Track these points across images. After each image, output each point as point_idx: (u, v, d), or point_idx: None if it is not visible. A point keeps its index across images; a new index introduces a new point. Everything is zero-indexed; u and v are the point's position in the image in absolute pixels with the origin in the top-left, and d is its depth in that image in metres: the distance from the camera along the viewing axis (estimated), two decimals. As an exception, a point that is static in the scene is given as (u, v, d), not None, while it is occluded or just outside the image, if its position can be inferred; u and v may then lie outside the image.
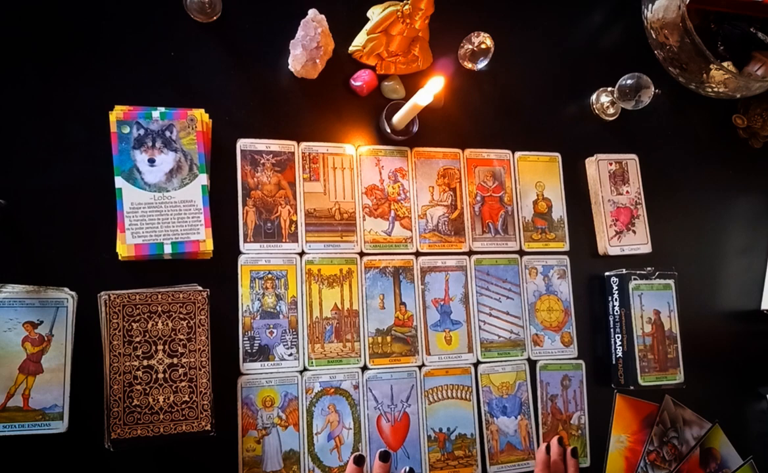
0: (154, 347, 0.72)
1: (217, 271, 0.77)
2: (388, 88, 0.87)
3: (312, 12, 0.79)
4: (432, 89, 0.76)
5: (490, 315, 0.87)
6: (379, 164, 0.86)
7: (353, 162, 0.85)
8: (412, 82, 0.88)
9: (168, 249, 0.73)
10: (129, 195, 0.73)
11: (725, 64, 0.99)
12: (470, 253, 0.88)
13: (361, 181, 0.85)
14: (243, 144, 0.81)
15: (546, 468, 0.83)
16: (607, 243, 0.92)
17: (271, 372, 0.77)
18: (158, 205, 0.74)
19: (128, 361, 0.71)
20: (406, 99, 0.86)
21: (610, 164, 0.95)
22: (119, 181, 0.73)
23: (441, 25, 0.88)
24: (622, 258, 0.93)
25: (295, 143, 0.83)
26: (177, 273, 0.75)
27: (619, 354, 0.90)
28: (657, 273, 0.92)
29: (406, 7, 0.82)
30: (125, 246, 0.72)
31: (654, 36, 0.98)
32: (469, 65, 0.92)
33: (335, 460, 0.78)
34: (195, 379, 0.72)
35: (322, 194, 0.83)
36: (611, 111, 0.97)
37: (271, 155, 0.82)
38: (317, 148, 0.84)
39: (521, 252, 0.90)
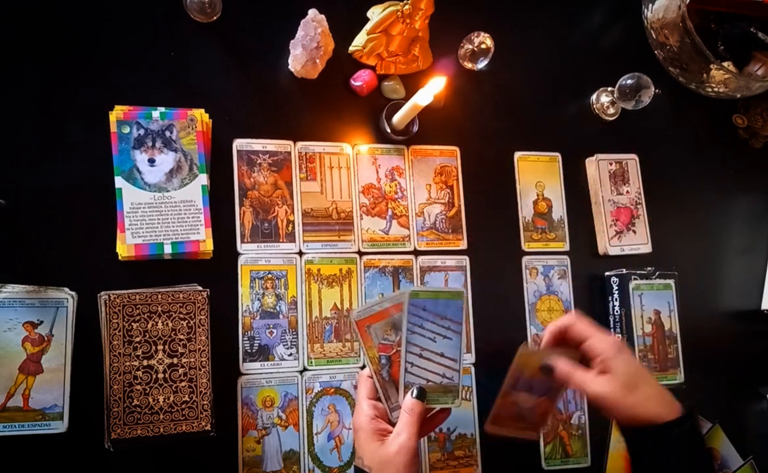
0: (154, 347, 0.72)
1: (217, 271, 0.77)
2: (388, 88, 0.87)
3: (312, 12, 0.79)
4: (432, 89, 0.76)
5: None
6: (376, 163, 0.86)
7: (350, 161, 0.85)
8: (412, 82, 0.88)
9: (168, 249, 0.73)
10: (129, 195, 0.73)
11: (725, 64, 0.98)
12: (469, 252, 0.88)
13: (358, 179, 0.85)
14: (239, 144, 0.81)
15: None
16: (608, 243, 0.92)
17: (271, 372, 0.77)
18: (158, 205, 0.74)
19: (128, 361, 0.71)
20: (406, 99, 0.85)
21: (610, 164, 0.95)
22: (119, 181, 0.73)
23: (441, 25, 0.88)
24: (622, 258, 0.93)
25: (291, 143, 0.83)
26: (177, 273, 0.75)
27: (619, 354, 0.89)
28: (657, 273, 0.92)
29: (406, 7, 0.82)
30: (125, 246, 0.72)
31: (654, 36, 0.97)
32: (469, 65, 0.92)
33: (335, 460, 0.78)
34: (195, 379, 0.72)
35: (319, 193, 0.83)
36: (611, 111, 0.97)
37: (268, 155, 0.82)
38: (314, 148, 0.84)
39: (521, 252, 0.90)
